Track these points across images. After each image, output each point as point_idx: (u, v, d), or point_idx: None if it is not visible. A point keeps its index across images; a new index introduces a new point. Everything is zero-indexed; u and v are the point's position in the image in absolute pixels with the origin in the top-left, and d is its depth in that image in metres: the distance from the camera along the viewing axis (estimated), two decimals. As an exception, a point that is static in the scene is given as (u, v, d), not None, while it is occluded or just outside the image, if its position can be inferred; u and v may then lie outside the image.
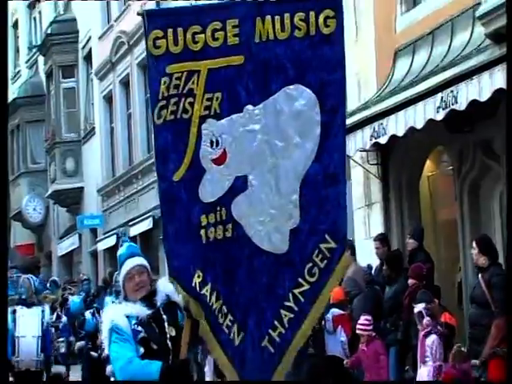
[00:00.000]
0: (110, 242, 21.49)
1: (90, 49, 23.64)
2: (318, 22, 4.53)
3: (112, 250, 21.64)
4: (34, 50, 27.15)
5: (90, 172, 23.75)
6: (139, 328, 4.78)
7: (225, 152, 4.53)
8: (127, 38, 20.74)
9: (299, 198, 4.57)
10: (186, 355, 4.69)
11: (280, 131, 4.55)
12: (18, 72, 29.43)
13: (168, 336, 4.77)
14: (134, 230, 20.20)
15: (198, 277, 4.53)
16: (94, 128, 23.50)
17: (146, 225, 19.47)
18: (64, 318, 14.21)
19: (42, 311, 10.72)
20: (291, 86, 4.55)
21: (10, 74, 30.09)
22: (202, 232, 4.54)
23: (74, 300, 15.39)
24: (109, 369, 11.31)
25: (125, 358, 4.68)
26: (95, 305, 14.01)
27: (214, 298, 4.54)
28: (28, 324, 10.48)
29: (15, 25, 29.67)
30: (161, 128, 4.51)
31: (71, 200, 24.39)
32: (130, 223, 20.43)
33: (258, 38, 4.51)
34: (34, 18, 28.43)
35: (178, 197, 4.54)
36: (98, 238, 22.79)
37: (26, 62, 28.52)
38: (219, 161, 4.53)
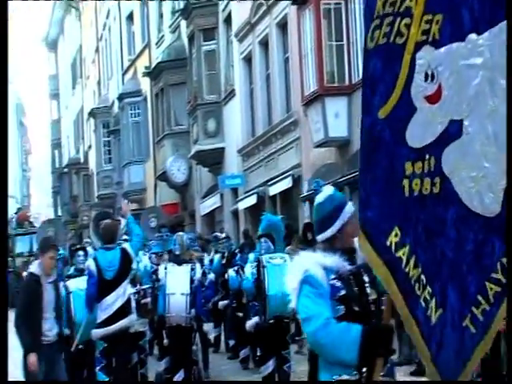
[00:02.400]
0: (251, 201, 21.88)
1: (230, 11, 23.96)
2: None
3: (252, 209, 22.07)
4: (177, 15, 27.75)
5: (230, 132, 24.17)
6: (339, 284, 4.15)
7: (440, 88, 3.76)
8: (266, -1, 20.91)
9: None
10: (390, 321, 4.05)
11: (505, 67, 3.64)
12: (162, 37, 30.18)
13: (370, 298, 4.21)
14: (274, 190, 20.48)
15: (396, 235, 3.88)
16: (233, 89, 23.84)
17: (286, 184, 19.70)
18: (211, 275, 14.53)
19: (192, 269, 10.86)
20: None
21: (155, 39, 30.94)
22: (405, 182, 3.85)
23: (216, 258, 15.78)
24: (249, 324, 11.64)
25: (321, 317, 3.99)
26: (238, 262, 14.35)
27: (411, 264, 3.85)
28: (177, 281, 10.65)
29: (160, -10, 30.44)
30: (371, 53, 3.88)
31: (213, 160, 24.88)
32: (270, 182, 20.72)
33: None
34: (177, -17, 29.05)
35: (382, 137, 3.89)
36: (238, 198, 23.21)
37: (169, 27, 29.18)
38: (433, 99, 3.78)
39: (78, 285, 10.40)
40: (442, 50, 3.72)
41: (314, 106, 17.05)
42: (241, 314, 13.86)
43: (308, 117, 17.56)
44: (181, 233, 11.86)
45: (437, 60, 3.74)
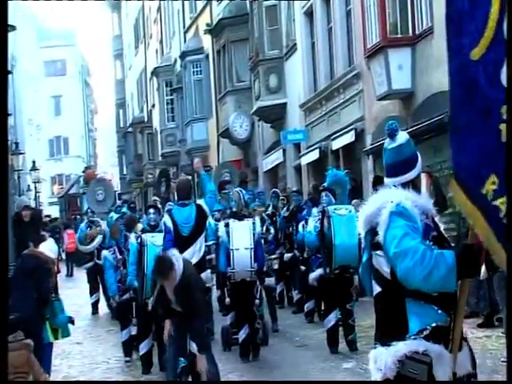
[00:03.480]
0: (313, 156, 21.80)
1: (291, -35, 23.68)
2: None
3: (315, 164, 22.02)
4: (237, -30, 27.53)
5: (292, 88, 24.03)
6: (430, 223, 4.05)
7: None
8: (326, -49, 20.57)
9: None
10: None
11: None
12: (223, -7, 30.03)
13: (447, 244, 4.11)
14: (337, 144, 20.36)
15: (493, 183, 3.65)
16: (295, 44, 23.65)
17: (348, 138, 19.55)
18: (273, 230, 14.57)
19: (253, 223, 10.87)
20: None
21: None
22: (502, 127, 3.59)
23: (281, 213, 15.80)
24: (312, 276, 11.66)
25: (419, 250, 3.84)
26: (305, 216, 14.31)
27: None
28: (240, 236, 10.68)
29: None
30: None
31: (275, 116, 24.82)
32: (332, 137, 20.59)
33: None
34: None
35: (475, 78, 3.65)
36: (301, 153, 23.14)
37: (231, -17, 29.00)
38: None
39: (152, 239, 10.49)
40: None
41: (377, 58, 16.81)
42: (303, 268, 13.92)
43: (371, 69, 17.33)
44: (237, 189, 11.88)
45: None
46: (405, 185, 4.14)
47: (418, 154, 4.26)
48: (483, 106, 3.66)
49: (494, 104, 3.63)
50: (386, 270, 4.01)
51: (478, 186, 3.69)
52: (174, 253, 8.09)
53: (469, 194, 3.74)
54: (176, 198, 10.18)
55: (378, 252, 4.04)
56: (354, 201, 12.82)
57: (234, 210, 11.14)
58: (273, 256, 14.22)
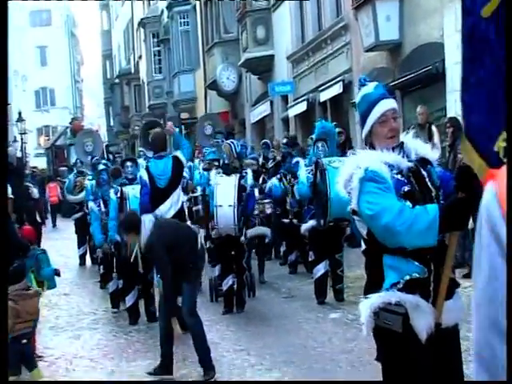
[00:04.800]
0: (301, 107, 21.75)
1: None
2: None
3: (302, 116, 21.96)
4: None
5: (279, 39, 23.86)
6: (402, 179, 4.03)
7: None
8: None
9: None
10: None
11: None
12: None
13: (433, 194, 4.09)
14: (324, 95, 20.29)
15: (503, 140, 3.59)
16: (283, -6, 23.47)
17: (336, 90, 19.47)
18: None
19: (242, 176, 10.80)
20: None
21: None
22: None
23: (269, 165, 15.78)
24: (304, 227, 11.67)
25: (394, 207, 3.85)
26: (282, 170, 14.33)
27: None
28: (224, 193, 10.64)
29: None
30: None
31: (262, 68, 24.70)
32: (320, 88, 20.51)
33: None
34: None
35: (486, 37, 3.59)
36: (288, 105, 23.07)
37: None
38: None
39: (133, 192, 10.49)
40: None
41: (365, 9, 16.68)
42: (286, 221, 13.96)
43: (358, 21, 17.20)
44: (228, 141, 11.80)
45: None
46: (367, 142, 4.17)
47: (374, 112, 4.14)
48: (493, 64, 3.54)
49: (504, 62, 3.38)
50: (363, 231, 4.09)
51: (490, 144, 3.55)
52: (148, 217, 7.96)
53: (481, 152, 3.60)
54: (152, 150, 10.10)
55: (355, 217, 4.12)
56: (350, 151, 12.80)
57: (226, 162, 11.10)
58: (265, 200, 14.23)
